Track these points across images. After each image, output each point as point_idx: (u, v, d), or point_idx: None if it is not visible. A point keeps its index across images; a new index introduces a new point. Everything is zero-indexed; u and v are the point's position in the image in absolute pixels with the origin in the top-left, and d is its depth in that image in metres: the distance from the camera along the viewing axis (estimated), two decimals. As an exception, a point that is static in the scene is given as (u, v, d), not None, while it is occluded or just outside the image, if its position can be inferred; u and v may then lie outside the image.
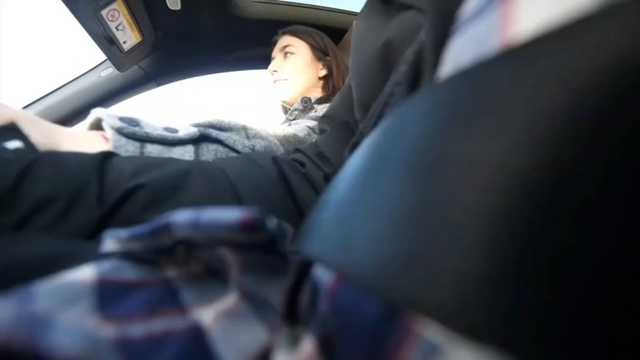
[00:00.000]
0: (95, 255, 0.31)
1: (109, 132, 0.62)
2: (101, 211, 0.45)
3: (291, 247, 0.26)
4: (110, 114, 0.64)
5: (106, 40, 1.20)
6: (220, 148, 0.73)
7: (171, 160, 0.56)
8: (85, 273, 0.27)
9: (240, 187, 0.55)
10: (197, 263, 0.32)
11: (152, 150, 0.64)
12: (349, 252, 0.17)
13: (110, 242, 0.31)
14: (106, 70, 1.49)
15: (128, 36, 1.27)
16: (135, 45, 1.33)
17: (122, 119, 0.64)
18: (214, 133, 0.73)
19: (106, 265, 0.29)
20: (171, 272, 0.31)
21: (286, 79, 1.34)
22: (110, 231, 0.32)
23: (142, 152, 0.63)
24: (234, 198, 0.54)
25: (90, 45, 1.25)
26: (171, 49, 1.54)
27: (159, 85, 1.63)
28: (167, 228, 0.27)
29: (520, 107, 0.13)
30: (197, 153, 0.69)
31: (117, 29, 1.20)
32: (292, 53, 1.37)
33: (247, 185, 0.56)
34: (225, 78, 1.81)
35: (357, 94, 0.57)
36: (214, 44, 1.62)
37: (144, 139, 0.64)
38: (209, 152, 0.71)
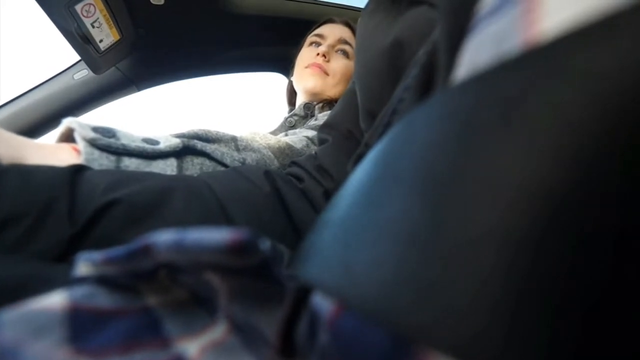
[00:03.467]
0: (67, 280, 0.31)
1: (80, 144, 0.62)
2: (73, 229, 0.45)
3: (287, 271, 0.26)
4: (82, 124, 0.64)
5: (80, 39, 1.19)
6: (207, 162, 0.73)
7: (151, 174, 0.56)
8: (55, 300, 0.27)
9: (228, 205, 0.56)
10: (181, 289, 0.31)
11: (130, 164, 0.64)
12: (351, 277, 0.17)
13: (84, 265, 0.31)
14: (80, 72, 1.48)
15: (105, 34, 1.27)
16: (113, 45, 1.33)
17: (95, 130, 0.64)
18: (199, 145, 0.72)
19: (79, 292, 0.29)
20: (152, 300, 0.31)
21: (327, 75, 1.29)
22: (83, 253, 0.32)
23: (118, 166, 0.63)
24: (222, 217, 0.55)
25: (62, 45, 1.25)
26: (154, 49, 1.53)
27: (139, 89, 1.62)
28: (147, 250, 0.27)
29: (547, 116, 0.12)
30: (180, 167, 0.69)
31: (93, 26, 1.19)
32: (347, 55, 1.34)
33: (237, 202, 0.57)
34: (216, 81, 1.80)
35: (362, 100, 0.56)
36: (202, 44, 1.62)
37: (120, 151, 0.64)
38: (194, 167, 0.71)
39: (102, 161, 0.61)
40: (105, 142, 0.63)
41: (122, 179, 0.52)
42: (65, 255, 0.44)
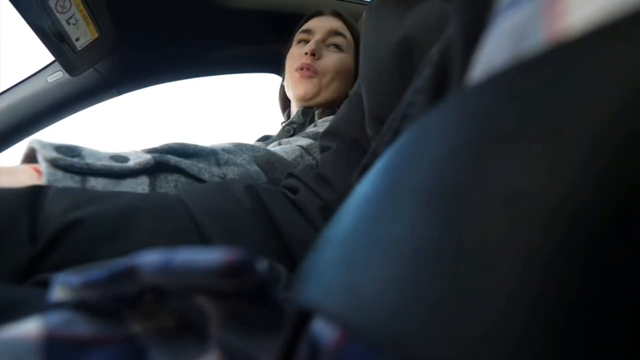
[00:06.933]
0: (41, 306, 0.31)
1: (42, 165, 0.62)
2: (32, 250, 0.46)
3: (285, 294, 0.26)
4: (44, 143, 0.65)
5: (54, 37, 1.19)
6: (182, 179, 0.73)
7: (119, 193, 0.57)
8: (29, 327, 0.27)
9: (203, 223, 0.56)
10: (169, 315, 0.31)
11: (96, 184, 0.64)
12: (357, 301, 0.17)
13: (61, 289, 0.31)
14: (54, 74, 1.47)
15: (82, 32, 1.26)
16: (91, 43, 1.32)
17: (58, 149, 0.64)
18: (172, 160, 0.72)
19: (55, 318, 0.29)
20: (137, 327, 0.31)
21: (316, 73, 1.28)
22: (59, 275, 0.32)
23: (83, 187, 0.63)
24: (197, 236, 0.55)
25: (34, 43, 1.25)
26: (136, 49, 1.53)
27: (120, 93, 1.60)
28: (131, 273, 0.27)
29: (578, 122, 0.12)
30: (153, 185, 0.69)
31: (69, 23, 1.19)
32: (339, 48, 1.33)
33: (213, 219, 0.57)
34: (205, 84, 1.80)
35: (369, 104, 0.56)
36: (189, 42, 1.61)
37: (85, 170, 0.64)
38: (169, 184, 0.71)
39: (67, 182, 0.62)
40: (68, 161, 0.63)
41: (85, 197, 0.52)
42: (26, 279, 0.45)
